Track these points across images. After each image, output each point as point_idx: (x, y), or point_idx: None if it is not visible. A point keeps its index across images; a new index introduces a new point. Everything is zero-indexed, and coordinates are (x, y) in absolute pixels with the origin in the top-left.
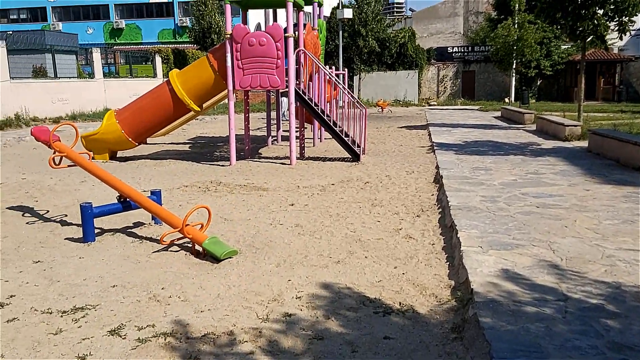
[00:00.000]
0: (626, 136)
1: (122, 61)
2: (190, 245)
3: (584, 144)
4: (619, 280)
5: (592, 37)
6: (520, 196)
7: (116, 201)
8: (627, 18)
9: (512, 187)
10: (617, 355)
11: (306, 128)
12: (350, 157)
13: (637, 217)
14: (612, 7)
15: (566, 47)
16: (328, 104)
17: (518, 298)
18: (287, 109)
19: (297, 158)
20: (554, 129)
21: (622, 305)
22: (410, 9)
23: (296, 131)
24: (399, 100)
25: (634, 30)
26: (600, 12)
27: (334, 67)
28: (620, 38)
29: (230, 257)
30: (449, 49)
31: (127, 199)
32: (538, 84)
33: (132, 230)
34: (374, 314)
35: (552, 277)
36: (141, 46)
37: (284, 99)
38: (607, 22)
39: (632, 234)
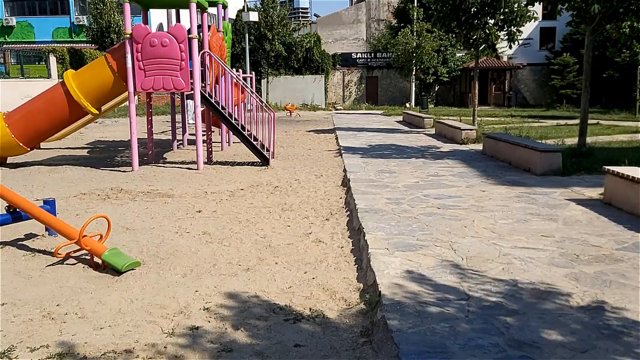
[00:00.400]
0: (517, 139)
1: (12, 61)
2: (88, 258)
3: (479, 147)
4: (515, 278)
5: (484, 45)
6: (423, 198)
7: (4, 212)
8: (515, 28)
9: (414, 189)
10: (517, 352)
11: (214, 132)
12: (259, 161)
13: (529, 216)
14: (501, 17)
15: (461, 55)
16: (236, 107)
17: (424, 299)
18: (194, 112)
19: (205, 163)
20: (452, 132)
21: (519, 302)
22: (315, 14)
23: (203, 135)
24: (307, 105)
25: (521, 39)
26: (491, 22)
27: (241, 70)
28: (510, 47)
29: (132, 269)
30: (353, 54)
31: (17, 209)
32: (436, 89)
33: (24, 242)
34: (284, 321)
35: (454, 276)
36: (34, 45)
37: (190, 102)
38: (498, 32)
39: (525, 233)
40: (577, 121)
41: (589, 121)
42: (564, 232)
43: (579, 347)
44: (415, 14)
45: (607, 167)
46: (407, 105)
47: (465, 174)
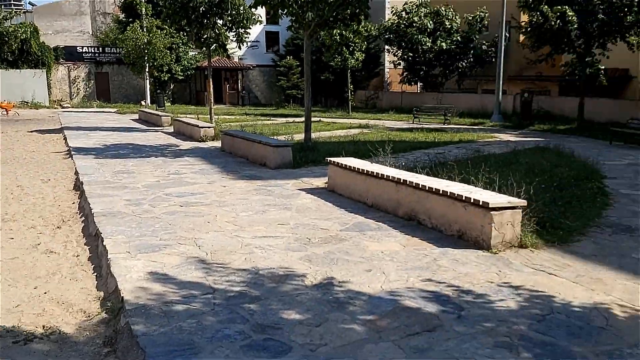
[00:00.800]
0: (252, 136)
1: None
2: None
3: (218, 144)
4: (257, 266)
5: (215, 45)
6: (164, 197)
7: None
8: (242, 30)
9: (155, 188)
10: (261, 335)
11: None
12: None
13: (267, 207)
14: (229, 18)
15: (194, 53)
16: None
17: (169, 298)
18: None
19: None
20: (190, 130)
21: (261, 289)
22: (30, 3)
23: None
24: (27, 102)
25: (250, 41)
26: (220, 22)
27: None
28: (239, 47)
29: None
30: (78, 48)
31: None
32: (172, 87)
33: None
34: (13, 344)
35: (199, 272)
36: None
37: None
38: (227, 32)
39: (264, 223)
40: (303, 119)
41: (313, 119)
42: (297, 219)
43: (314, 322)
44: (143, 9)
45: (329, 158)
46: (143, 103)
47: (206, 171)
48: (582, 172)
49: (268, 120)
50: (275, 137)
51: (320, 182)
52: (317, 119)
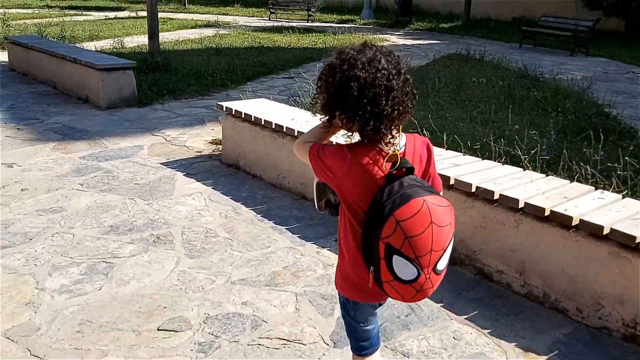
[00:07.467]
0: (62, 49)
1: None
2: None
3: (4, 57)
4: None
5: None
6: None
7: None
8: None
9: None
10: None
11: None
12: None
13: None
14: None
15: None
16: None
17: None
18: None
19: None
20: None
21: None
22: None
23: None
24: None
25: None
26: None
27: None
28: None
29: None
30: None
31: None
32: None
33: None
34: None
35: None
36: None
37: None
38: None
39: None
40: (125, 14)
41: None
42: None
43: None
44: None
45: (223, 104)
46: None
47: None
48: (577, 100)
49: (80, 15)
50: (96, 46)
51: (199, 139)
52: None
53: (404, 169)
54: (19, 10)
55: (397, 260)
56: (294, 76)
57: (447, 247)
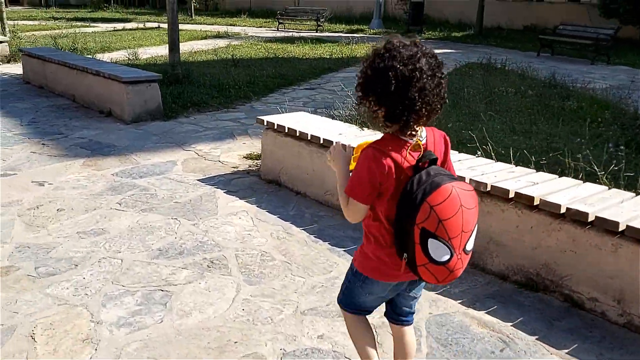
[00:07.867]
0: (82, 62)
1: None
2: None
3: (17, 69)
4: None
5: None
6: None
7: None
8: None
9: None
10: None
11: None
12: None
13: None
14: None
15: None
16: None
17: None
18: None
19: None
20: None
21: None
22: None
23: None
24: None
25: None
26: None
27: None
28: None
29: None
30: None
31: None
32: None
33: None
34: None
35: None
36: None
37: None
38: None
39: None
40: (133, 25)
41: (147, 24)
42: None
43: None
44: None
45: (264, 119)
46: None
47: None
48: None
49: (87, 26)
50: (111, 58)
51: (233, 154)
52: (156, 24)
53: (428, 161)
54: (25, 22)
55: (432, 243)
56: (315, 87)
57: (474, 229)
